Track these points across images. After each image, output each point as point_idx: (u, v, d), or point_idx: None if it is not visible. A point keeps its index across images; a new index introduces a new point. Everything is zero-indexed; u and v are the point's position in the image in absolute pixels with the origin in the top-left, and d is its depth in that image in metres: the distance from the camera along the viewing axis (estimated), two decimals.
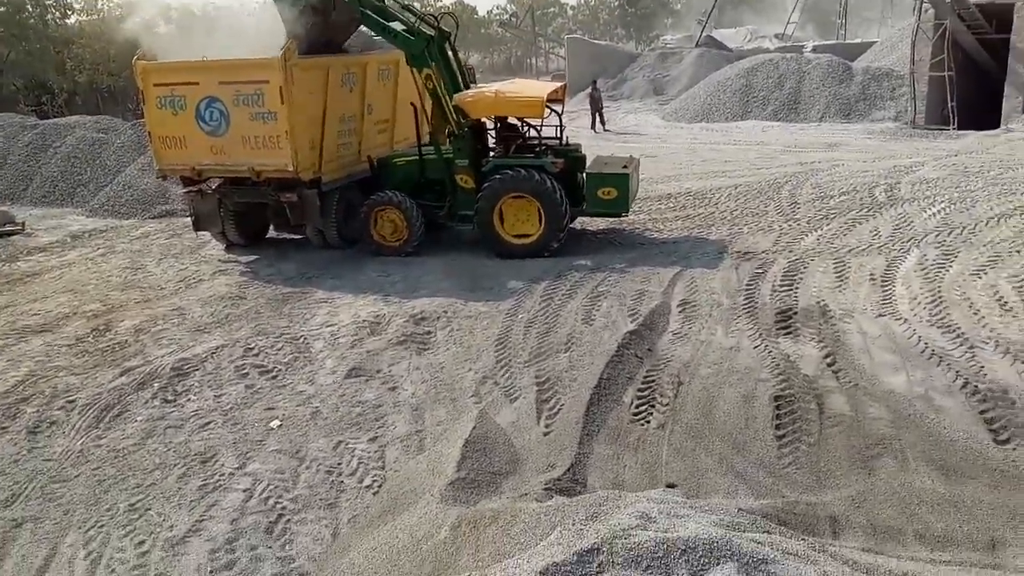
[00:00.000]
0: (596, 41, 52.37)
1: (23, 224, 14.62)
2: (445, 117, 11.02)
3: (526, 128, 11.64)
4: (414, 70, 10.93)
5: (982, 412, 6.03)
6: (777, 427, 6.05)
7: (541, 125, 11.33)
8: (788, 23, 51.58)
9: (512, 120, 11.56)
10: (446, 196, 11.51)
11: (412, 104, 11.56)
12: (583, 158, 11.73)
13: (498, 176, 10.77)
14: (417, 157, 11.67)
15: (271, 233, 13.02)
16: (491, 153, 11.52)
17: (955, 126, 21.77)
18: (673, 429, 6.15)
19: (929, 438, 5.76)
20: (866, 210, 12.26)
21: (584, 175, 11.31)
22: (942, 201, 12.32)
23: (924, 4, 22.75)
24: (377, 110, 12.55)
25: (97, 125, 19.48)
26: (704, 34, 43.61)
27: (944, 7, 21.36)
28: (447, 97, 10.90)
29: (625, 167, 11.25)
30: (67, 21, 41.83)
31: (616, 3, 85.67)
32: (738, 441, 5.93)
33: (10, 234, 14.05)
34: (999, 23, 21.87)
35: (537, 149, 11.41)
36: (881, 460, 5.55)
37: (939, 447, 5.65)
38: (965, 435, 5.76)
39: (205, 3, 12.10)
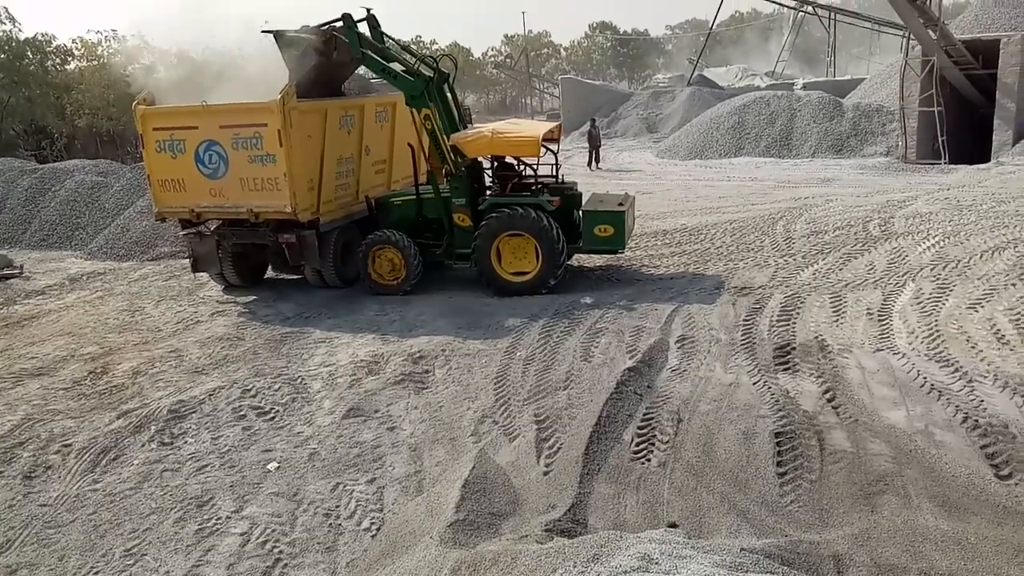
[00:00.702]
0: (589, 81, 53.12)
1: (21, 267, 14.64)
2: (443, 157, 11.14)
3: (522, 167, 11.77)
4: (413, 110, 11.08)
5: (983, 447, 6.01)
6: (778, 464, 6.02)
7: (537, 164, 11.46)
8: (778, 61, 52.45)
9: (509, 159, 11.69)
10: (444, 235, 11.59)
11: (410, 144, 11.70)
12: (579, 196, 11.84)
13: (495, 214, 10.86)
14: (414, 197, 11.77)
15: (269, 274, 13.06)
16: (488, 192, 11.62)
17: (946, 160, 22.04)
18: (674, 467, 6.11)
19: (931, 474, 5.73)
20: (861, 245, 12.34)
21: (581, 212, 11.40)
22: (936, 235, 12.42)
23: (911, 41, 23.19)
24: (375, 151, 12.69)
25: (96, 169, 19.64)
26: (696, 73, 44.31)
27: (931, 44, 21.77)
28: (445, 137, 11.04)
29: (621, 204, 11.34)
30: (67, 67, 42.41)
31: (609, 44, 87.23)
32: (739, 479, 5.89)
33: (8, 277, 14.07)
34: (986, 59, 22.28)
35: (533, 187, 11.52)
36: (884, 497, 5.51)
37: (941, 483, 5.61)
38: (967, 471, 5.73)
39: (204, 48, 12.29)
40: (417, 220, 11.79)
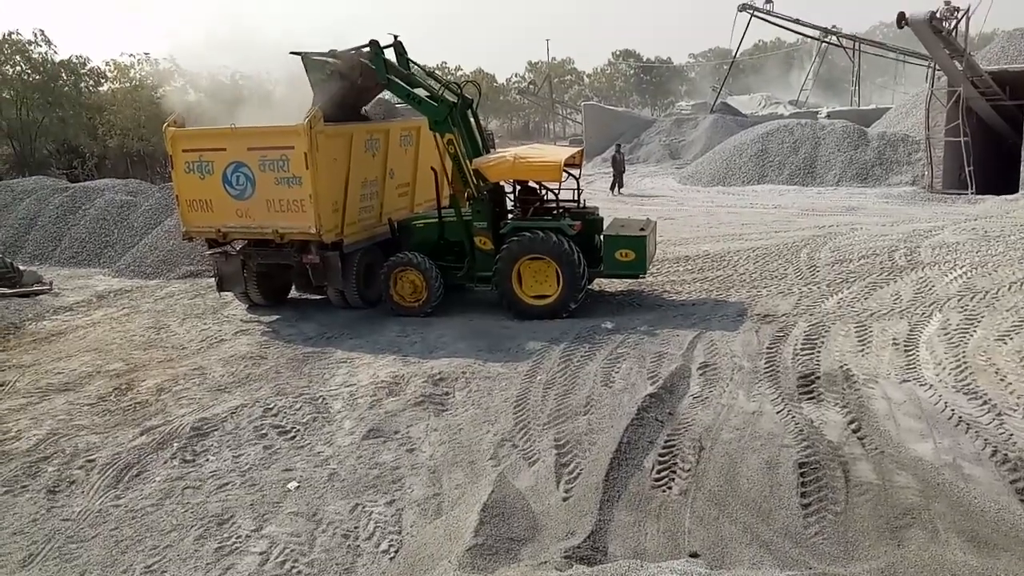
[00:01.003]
0: (612, 108, 53.42)
1: (51, 284, 14.90)
2: (465, 181, 11.23)
3: (544, 191, 11.83)
4: (437, 135, 11.20)
5: (1013, 481, 5.89)
6: (802, 495, 5.93)
7: (559, 188, 11.51)
8: (802, 90, 52.43)
9: (531, 183, 11.75)
10: (465, 258, 11.64)
11: (432, 168, 11.82)
12: (600, 220, 11.87)
13: (516, 238, 10.90)
14: (437, 219, 11.86)
15: (293, 293, 13.18)
16: (509, 216, 11.68)
17: (973, 190, 21.82)
18: (696, 496, 6.04)
19: (959, 508, 5.61)
20: (886, 274, 12.22)
21: (602, 237, 11.41)
22: (963, 265, 12.27)
23: (937, 71, 23.10)
24: (399, 174, 12.82)
25: (126, 188, 20.04)
26: (718, 100, 44.41)
27: (957, 74, 21.67)
28: (467, 161, 11.13)
29: (642, 229, 11.35)
30: (100, 89, 43.41)
31: (632, 71, 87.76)
32: (763, 509, 5.81)
33: (38, 293, 14.31)
34: (1013, 89, 22.13)
35: (555, 212, 11.57)
36: (911, 531, 5.40)
37: (970, 518, 5.50)
38: (996, 505, 5.61)
39: (233, 72, 12.55)
40: (439, 243, 11.88)
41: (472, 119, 11.57)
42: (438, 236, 11.89)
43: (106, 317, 12.71)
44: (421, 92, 11.20)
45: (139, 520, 6.27)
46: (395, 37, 11.42)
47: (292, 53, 11.38)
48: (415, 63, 11.65)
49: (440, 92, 11.22)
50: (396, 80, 11.19)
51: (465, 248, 11.63)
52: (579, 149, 12.77)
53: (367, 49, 11.12)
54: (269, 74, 12.47)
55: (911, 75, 53.82)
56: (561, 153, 11.99)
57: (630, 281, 12.25)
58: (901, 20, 20.17)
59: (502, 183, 11.66)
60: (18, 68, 39.45)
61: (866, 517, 5.60)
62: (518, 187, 11.71)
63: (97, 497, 6.67)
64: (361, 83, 11.55)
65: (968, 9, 21.33)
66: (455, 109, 11.11)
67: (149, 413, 8.44)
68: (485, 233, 11.32)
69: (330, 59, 11.29)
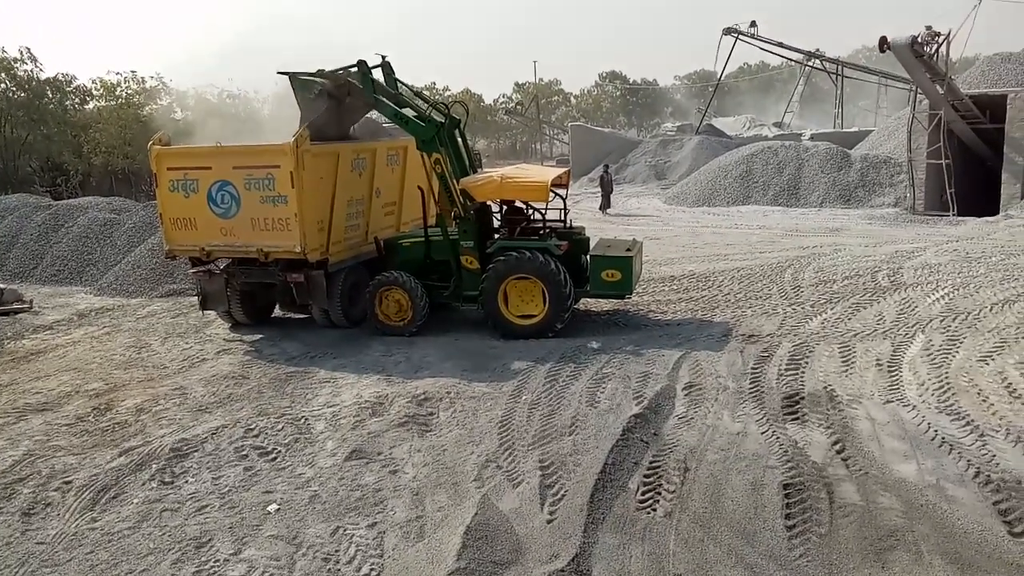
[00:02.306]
0: (599, 128, 53.80)
1: (31, 302, 14.72)
2: (452, 200, 11.24)
3: (531, 211, 11.85)
4: (424, 154, 11.21)
5: (996, 503, 5.89)
6: (787, 517, 5.90)
7: (546, 208, 11.54)
8: (786, 112, 53.05)
9: (518, 203, 11.77)
10: (451, 277, 11.62)
11: (420, 187, 11.83)
12: (587, 240, 11.89)
13: (502, 257, 10.90)
14: (423, 239, 11.85)
15: (276, 312, 13.09)
16: (496, 235, 11.69)
17: (955, 212, 22.08)
18: (680, 518, 6.00)
19: (943, 530, 5.60)
20: (870, 294, 12.30)
21: (588, 257, 11.43)
22: (946, 286, 12.37)
23: (919, 95, 23.44)
24: (385, 193, 12.82)
25: (110, 206, 19.90)
26: (704, 122, 44.86)
27: (938, 98, 21.99)
28: (454, 181, 11.15)
29: (628, 250, 11.38)
30: (85, 107, 43.29)
31: (618, 93, 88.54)
32: (747, 531, 5.77)
33: (17, 312, 14.13)
34: (993, 113, 22.48)
35: (541, 232, 11.58)
36: (894, 553, 5.38)
37: (953, 540, 5.49)
38: (979, 527, 5.60)
39: (220, 91, 12.55)
40: (425, 262, 11.86)
41: (459, 139, 11.61)
42: (424, 255, 11.88)
43: (86, 336, 12.56)
44: (409, 112, 11.23)
45: (115, 543, 6.15)
46: (383, 57, 11.48)
47: (280, 73, 11.40)
48: (403, 83, 11.70)
49: (428, 112, 11.26)
50: (383, 100, 11.23)
51: (451, 267, 11.62)
52: (566, 169, 12.81)
53: (355, 69, 11.16)
54: (257, 92, 12.50)
55: (893, 98, 54.66)
56: (548, 173, 12.03)
57: (616, 301, 12.27)
58: (883, 44, 20.49)
59: (489, 203, 11.68)
60: (3, 85, 39.32)
61: (850, 539, 5.58)
62: (504, 207, 11.73)
63: (73, 520, 6.54)
64: (348, 102, 11.57)
65: (949, 34, 21.72)
66: (442, 129, 11.14)
67: (128, 434, 8.31)
68: (472, 252, 11.31)
69: (318, 79, 11.32)
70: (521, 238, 11.33)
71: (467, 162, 11.71)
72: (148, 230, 17.55)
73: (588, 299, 12.05)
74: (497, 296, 10.97)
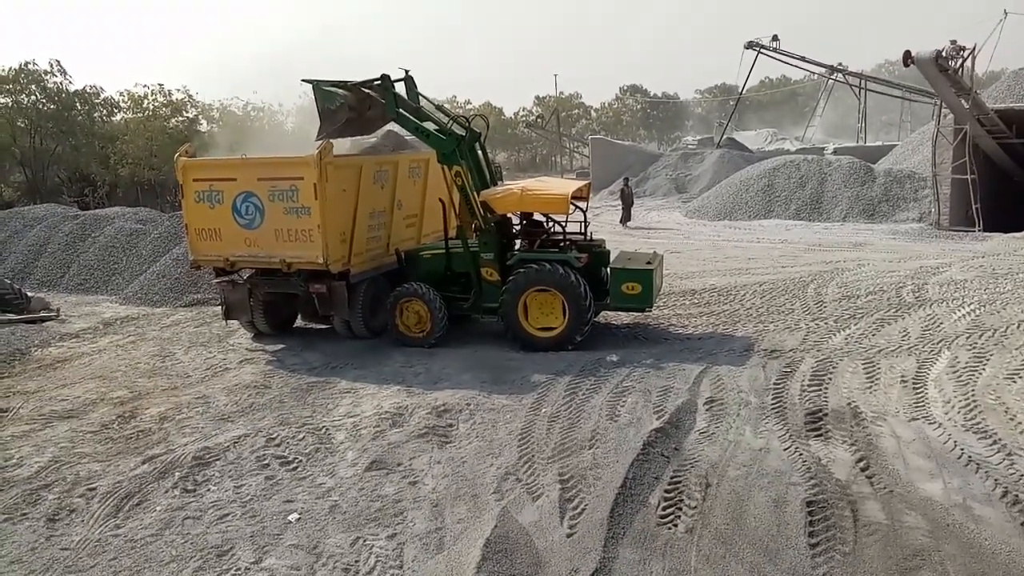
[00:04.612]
0: (619, 142, 53.80)
1: (58, 310, 14.95)
2: (472, 212, 11.29)
3: (551, 224, 11.86)
4: (444, 167, 11.28)
5: (1023, 523, 5.79)
6: (810, 534, 5.84)
7: (567, 221, 11.55)
8: (808, 126, 52.77)
9: (537, 216, 11.80)
10: (471, 289, 11.65)
11: (440, 200, 11.90)
12: (607, 253, 11.88)
13: (523, 270, 10.92)
14: (444, 250, 11.90)
15: (298, 323, 13.19)
16: (516, 247, 11.71)
17: (980, 228, 21.80)
18: (702, 534, 5.95)
19: (969, 550, 5.51)
20: (894, 310, 12.16)
21: (609, 270, 11.42)
22: (971, 303, 12.19)
23: (943, 109, 23.23)
24: (406, 205, 12.90)
25: (136, 216, 20.17)
26: (725, 136, 44.70)
27: (964, 113, 21.78)
28: (475, 193, 11.20)
29: (649, 263, 11.35)
30: (113, 119, 44.02)
31: (639, 106, 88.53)
32: (770, 548, 5.71)
33: (44, 320, 14.35)
34: (1020, 128, 22.21)
35: (561, 244, 11.59)
36: (920, 573, 5.30)
37: (980, 560, 5.40)
38: (1007, 548, 5.50)
39: (246, 104, 12.73)
40: (445, 274, 11.91)
41: (480, 152, 11.67)
42: (445, 267, 11.93)
43: (112, 344, 12.72)
44: (430, 126, 11.31)
45: (138, 550, 6.21)
46: (406, 72, 11.58)
47: (304, 80, 11.51)
48: (425, 97, 11.80)
49: (449, 126, 11.33)
50: (404, 114, 11.32)
51: (472, 279, 11.65)
52: (586, 182, 12.81)
53: (378, 82, 11.27)
54: (282, 106, 12.69)
55: (917, 113, 54.19)
56: (568, 186, 12.05)
57: (636, 314, 12.23)
58: (907, 59, 20.34)
59: (509, 215, 11.72)
60: (33, 97, 40.09)
61: (875, 558, 5.50)
62: (524, 220, 11.75)
63: (97, 526, 6.61)
64: (369, 114, 11.69)
65: (974, 48, 21.52)
66: (463, 142, 11.21)
67: (152, 442, 8.40)
68: (492, 264, 11.35)
69: (340, 90, 11.45)
70: (541, 250, 11.35)
71: (488, 175, 11.77)
72: (173, 240, 17.78)
73: (608, 312, 12.03)
74: (517, 308, 10.98)
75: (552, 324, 10.98)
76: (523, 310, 11.02)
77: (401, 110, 11.32)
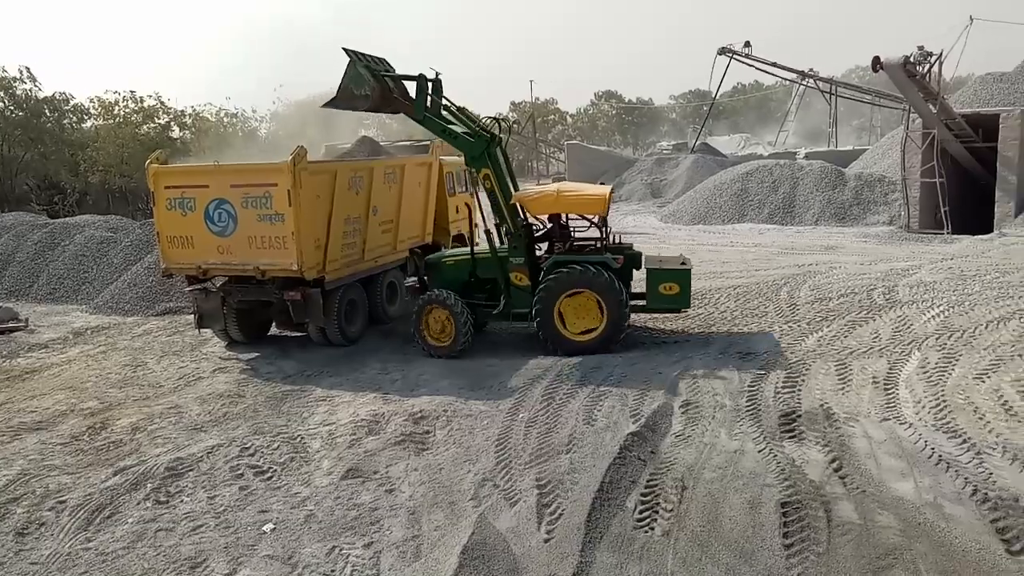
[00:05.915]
0: (594, 147, 54.09)
1: (26, 321, 14.68)
2: (501, 215, 11.18)
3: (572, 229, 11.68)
4: (472, 170, 11.20)
5: (993, 521, 5.88)
6: (785, 535, 5.89)
7: (608, 227, 11.33)
8: (780, 131, 53.42)
9: (563, 219, 11.53)
10: (498, 295, 11.50)
11: (467, 204, 11.73)
12: (639, 255, 11.71)
13: (556, 273, 10.72)
14: (468, 256, 11.76)
15: (273, 331, 13.07)
16: (543, 251, 11.60)
17: (949, 230, 22.19)
18: (678, 537, 5.98)
19: (940, 548, 5.59)
20: (865, 312, 12.33)
21: (645, 271, 11.28)
22: (941, 304, 12.41)
23: (912, 114, 23.64)
24: (382, 211, 12.85)
25: (106, 224, 19.90)
26: (699, 141, 45.13)
27: (931, 117, 22.17)
28: (503, 196, 11.13)
29: (684, 263, 11.32)
30: (83, 125, 43.43)
31: (614, 112, 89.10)
32: (745, 550, 5.75)
33: (13, 330, 14.09)
34: (986, 132, 22.66)
35: (592, 246, 11.41)
36: (893, 571, 5.37)
37: (951, 558, 5.48)
38: (977, 545, 5.59)
39: (218, 109, 12.60)
40: (470, 280, 11.72)
41: (501, 156, 11.56)
42: (469, 273, 11.73)
43: (82, 354, 12.52)
44: (457, 128, 11.19)
45: (109, 564, 6.11)
46: (437, 74, 11.21)
47: (344, 49, 11.12)
48: (448, 100, 11.46)
49: (476, 129, 11.26)
50: (432, 117, 11.07)
51: (499, 285, 11.43)
52: (611, 187, 12.64)
53: (411, 82, 11.11)
54: (255, 111, 12.56)
55: (887, 117, 55.05)
56: (603, 188, 12.01)
57: None
58: (876, 64, 20.68)
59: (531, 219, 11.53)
60: (1, 104, 39.44)
61: (848, 557, 5.56)
62: (551, 224, 11.56)
63: (67, 540, 6.49)
64: (388, 111, 11.54)
65: (941, 54, 21.95)
66: (492, 144, 11.15)
67: (123, 453, 8.27)
68: (522, 269, 11.13)
69: (371, 79, 11.16)
70: (574, 253, 11.15)
71: (512, 179, 11.65)
72: (145, 248, 17.55)
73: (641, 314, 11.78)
74: (553, 313, 10.79)
75: (591, 326, 10.78)
76: (559, 315, 10.82)
77: (429, 114, 11.06)
